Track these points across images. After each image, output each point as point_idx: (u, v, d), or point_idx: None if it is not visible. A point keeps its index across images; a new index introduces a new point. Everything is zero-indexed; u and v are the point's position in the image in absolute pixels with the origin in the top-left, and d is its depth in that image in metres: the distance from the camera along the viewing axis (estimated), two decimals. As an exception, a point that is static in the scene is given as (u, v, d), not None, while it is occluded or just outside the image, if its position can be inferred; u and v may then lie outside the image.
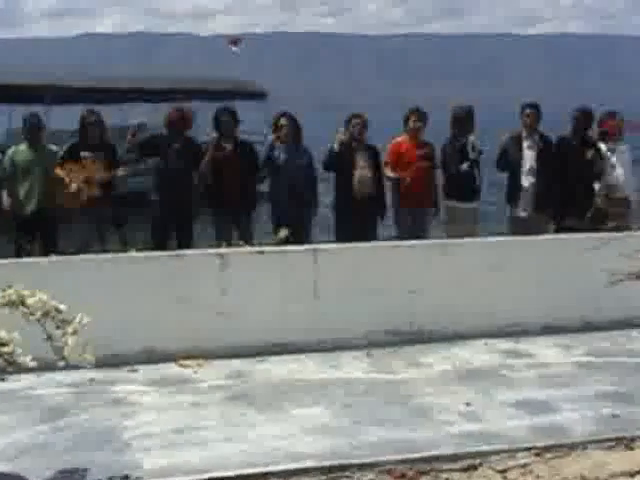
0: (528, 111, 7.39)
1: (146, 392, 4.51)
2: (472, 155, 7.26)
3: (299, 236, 6.85)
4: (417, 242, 5.73)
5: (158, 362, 4.92)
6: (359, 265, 5.20)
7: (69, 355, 3.06)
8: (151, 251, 7.09)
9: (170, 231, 7.49)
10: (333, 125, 7.59)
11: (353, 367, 4.84)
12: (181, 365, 4.91)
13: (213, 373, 4.78)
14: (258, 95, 19.34)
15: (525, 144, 7.35)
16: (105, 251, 6.76)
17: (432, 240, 5.84)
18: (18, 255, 6.97)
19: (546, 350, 5.09)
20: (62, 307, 3.19)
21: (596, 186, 7.46)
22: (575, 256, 5.50)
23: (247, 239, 7.10)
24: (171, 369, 4.87)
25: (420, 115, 7.45)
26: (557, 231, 7.34)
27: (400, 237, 7.47)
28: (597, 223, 7.31)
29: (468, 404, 4.19)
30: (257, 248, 5.19)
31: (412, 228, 7.40)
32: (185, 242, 7.41)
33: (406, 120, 7.43)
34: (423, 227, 7.51)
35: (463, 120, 7.36)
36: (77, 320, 3.23)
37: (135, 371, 4.85)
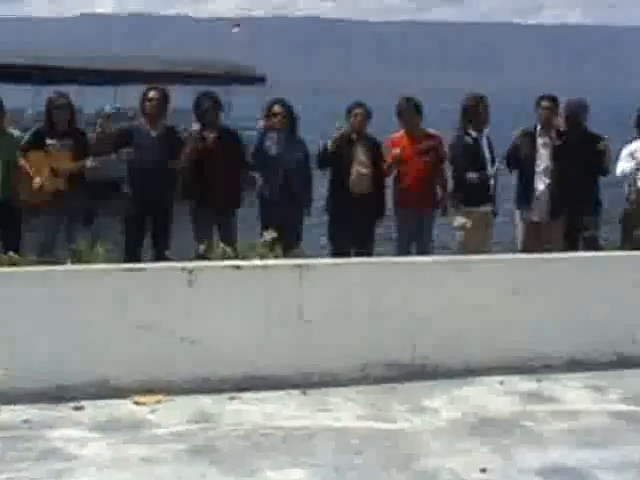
0: (544, 104, 6.53)
1: (89, 440, 3.68)
2: (489, 161, 6.45)
3: (290, 239, 6.07)
4: (423, 258, 4.91)
5: (111, 397, 4.10)
6: (353, 284, 4.36)
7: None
8: (123, 252, 6.36)
9: (145, 230, 6.66)
10: (330, 111, 6.75)
11: (345, 410, 4.01)
12: (136, 402, 4.09)
13: (174, 414, 3.95)
14: (256, 79, 18.58)
15: (540, 141, 6.51)
16: (72, 252, 5.92)
17: (442, 256, 5.00)
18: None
19: (575, 393, 4.26)
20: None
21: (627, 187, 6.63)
22: (610, 277, 4.67)
23: (230, 241, 6.30)
24: (124, 407, 4.04)
25: (413, 105, 6.59)
26: (568, 238, 6.52)
27: (399, 244, 6.69)
28: (628, 230, 6.53)
29: (484, 470, 3.38)
30: (233, 262, 4.34)
31: (414, 234, 6.60)
32: (161, 242, 6.57)
33: (399, 112, 6.58)
34: (427, 232, 6.69)
35: (475, 111, 6.50)
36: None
37: (81, 409, 4.02)
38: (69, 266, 4.31)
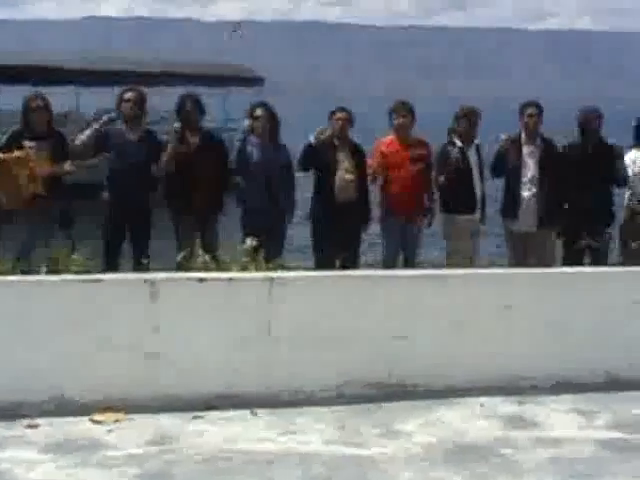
0: (529, 111, 6.30)
1: (39, 462, 3.46)
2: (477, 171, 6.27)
3: (273, 246, 5.86)
4: (404, 272, 4.68)
5: (68, 415, 3.87)
6: (327, 299, 4.13)
7: None
8: (102, 258, 6.14)
9: (124, 236, 6.45)
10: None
11: (313, 433, 3.77)
12: (93, 421, 3.86)
13: (132, 435, 3.72)
14: (255, 81, 18.47)
15: (525, 150, 6.28)
16: (49, 258, 5.69)
17: (423, 270, 4.76)
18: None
19: (560, 417, 4.01)
20: None
21: (625, 196, 6.42)
22: (603, 294, 4.43)
23: (212, 247, 6.08)
24: (81, 426, 3.81)
25: (406, 110, 6.38)
26: (568, 251, 6.33)
27: (386, 252, 6.47)
28: (623, 240, 6.33)
29: (457, 502, 3.14)
30: (197, 275, 4.10)
31: (402, 242, 6.39)
32: (140, 249, 6.36)
33: (391, 114, 6.37)
34: (415, 241, 6.48)
35: (460, 122, 6.32)
36: None
37: (35, 427, 3.79)
38: (23, 277, 4.09)
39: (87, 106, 17.42)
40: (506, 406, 4.11)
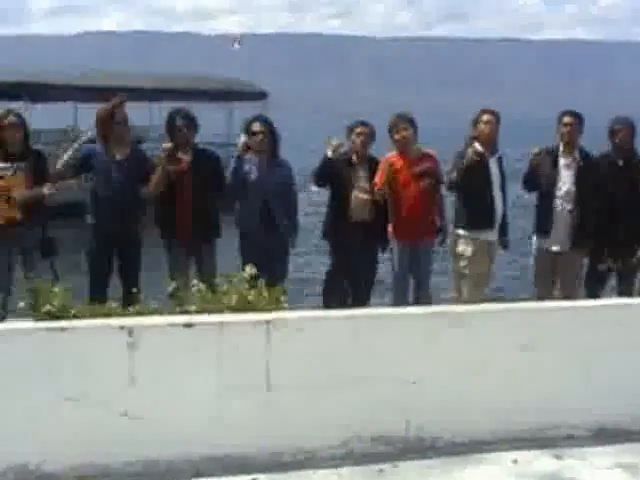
0: (567, 120, 5.76)
1: None
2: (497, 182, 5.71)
3: (274, 274, 5.36)
4: (416, 309, 4.14)
5: (36, 485, 3.35)
6: (331, 343, 3.60)
7: None
8: (90, 291, 5.65)
9: (111, 265, 5.94)
10: (330, 129, 6.05)
11: (320, 502, 3.25)
12: (65, 493, 3.34)
13: (109, 511, 3.20)
14: (257, 95, 18.13)
15: (562, 162, 5.75)
16: (30, 290, 5.18)
17: (437, 306, 4.24)
18: None
19: (604, 476, 3.48)
20: None
21: None
22: (634, 326, 3.91)
23: (208, 275, 5.57)
24: (51, 499, 3.29)
25: (406, 122, 5.86)
26: (591, 275, 5.80)
27: (396, 279, 5.95)
28: None
29: None
30: (183, 319, 3.57)
31: (412, 266, 5.88)
32: (130, 278, 5.86)
33: (391, 130, 5.86)
34: (426, 265, 5.96)
35: (476, 125, 5.81)
36: None
37: (-5, 503, 3.28)
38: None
39: (86, 123, 17.07)
40: (542, 462, 3.59)
